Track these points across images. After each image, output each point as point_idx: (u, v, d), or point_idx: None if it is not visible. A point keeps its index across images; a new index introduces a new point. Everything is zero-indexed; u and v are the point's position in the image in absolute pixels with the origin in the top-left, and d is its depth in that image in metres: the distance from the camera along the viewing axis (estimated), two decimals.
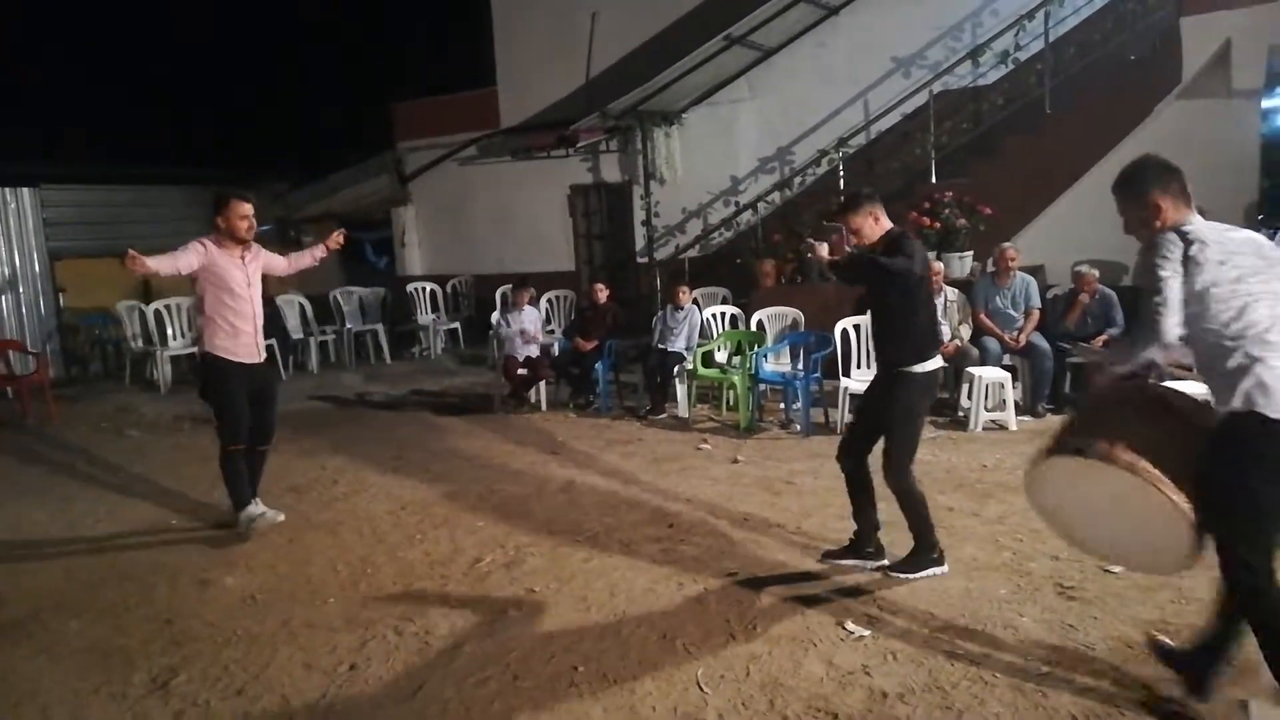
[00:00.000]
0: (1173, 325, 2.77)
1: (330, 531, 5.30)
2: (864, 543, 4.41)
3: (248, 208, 4.99)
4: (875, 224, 4.20)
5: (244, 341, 5.07)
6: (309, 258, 5.61)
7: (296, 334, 11.27)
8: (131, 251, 4.54)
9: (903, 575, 4.23)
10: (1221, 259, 2.78)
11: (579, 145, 11.64)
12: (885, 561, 4.36)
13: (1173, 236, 2.84)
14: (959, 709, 3.10)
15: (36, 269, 11.62)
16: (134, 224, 13.84)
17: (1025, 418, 7.24)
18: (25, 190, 11.56)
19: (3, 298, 11.37)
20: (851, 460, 4.38)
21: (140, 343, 10.70)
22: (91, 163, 13.89)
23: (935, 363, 4.20)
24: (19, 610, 4.33)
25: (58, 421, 8.77)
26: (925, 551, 4.25)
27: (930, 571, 4.23)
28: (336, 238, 5.53)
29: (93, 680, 3.56)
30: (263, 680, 3.52)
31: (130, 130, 17.82)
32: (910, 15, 9.83)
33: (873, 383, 4.48)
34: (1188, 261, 2.78)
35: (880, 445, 4.27)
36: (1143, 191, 2.99)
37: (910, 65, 9.85)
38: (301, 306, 11.50)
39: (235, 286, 5.01)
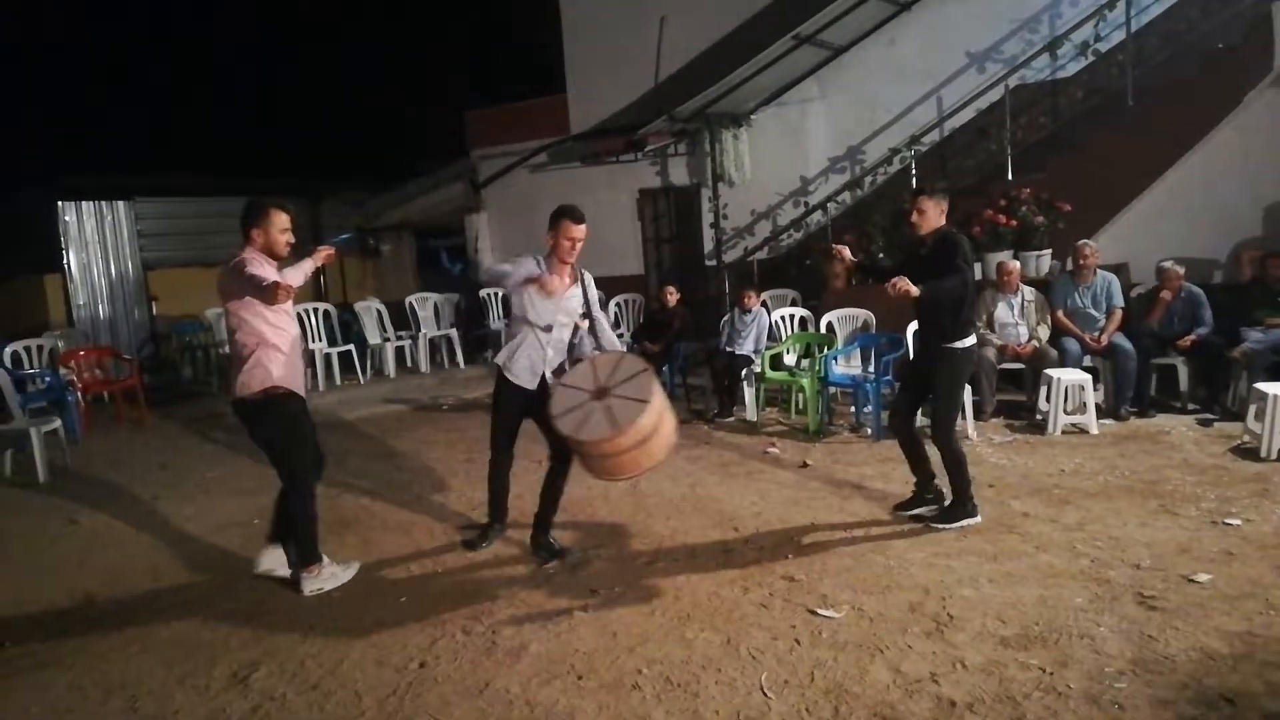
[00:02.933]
0: None
1: (404, 532, 5.43)
2: (924, 490, 5.16)
3: (288, 219, 4.36)
4: (939, 215, 4.89)
5: (299, 370, 4.46)
6: (300, 274, 4.68)
7: (374, 339, 11.57)
8: (282, 283, 4.02)
9: (941, 526, 4.91)
10: None
11: (647, 149, 11.69)
12: (934, 509, 5.07)
13: None
14: None
15: (131, 278, 12.19)
16: (222, 234, 14.37)
17: (1108, 421, 7.01)
18: (120, 203, 12.16)
19: (100, 306, 11.96)
20: (901, 422, 5.17)
21: (228, 349, 11.10)
22: (182, 175, 14.48)
23: (973, 340, 5.01)
24: (109, 606, 4.54)
25: (149, 425, 9.18)
26: (960, 505, 4.95)
27: (965, 522, 4.89)
28: (325, 253, 4.80)
29: (178, 672, 3.72)
30: (337, 675, 3.63)
31: (218, 143, 18.55)
32: (985, 8, 9.60)
33: (918, 357, 5.32)
34: None
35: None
36: None
37: (985, 59, 9.62)
38: (379, 313, 11.79)
39: (286, 307, 4.33)
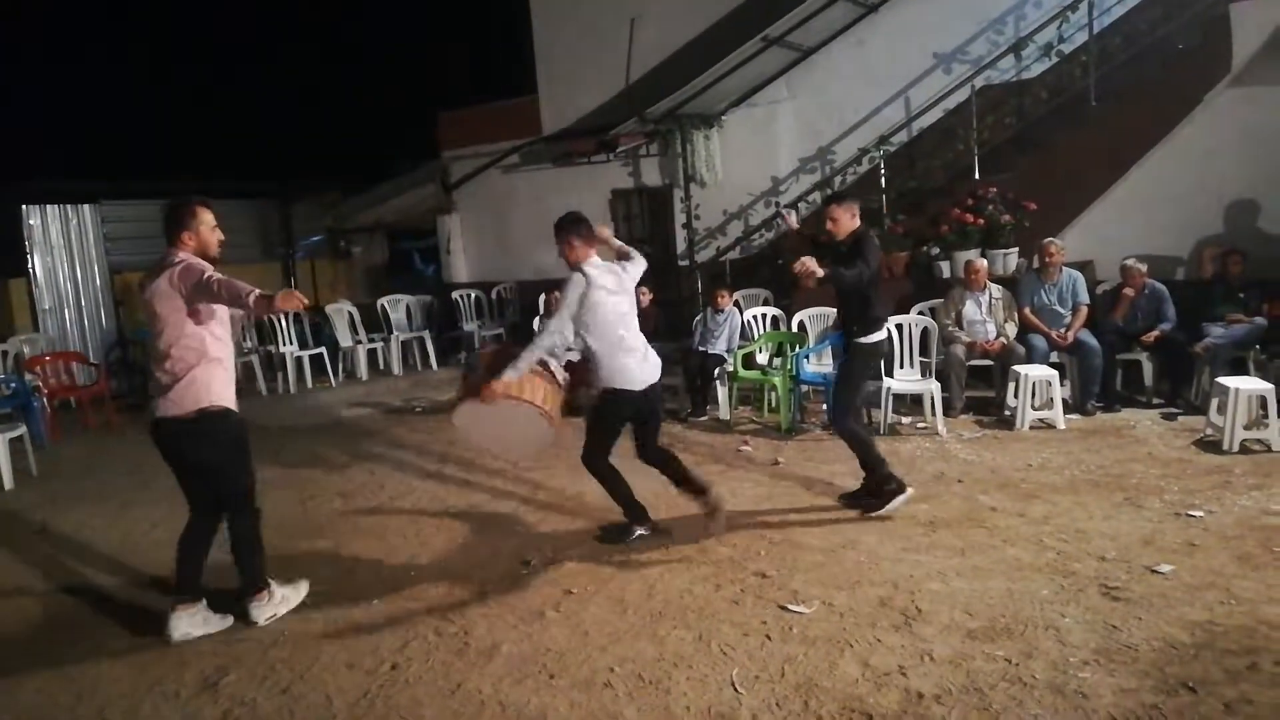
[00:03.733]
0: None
1: (376, 536, 5.41)
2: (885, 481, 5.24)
3: (213, 215, 4.03)
4: (851, 220, 5.25)
5: (233, 385, 4.10)
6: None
7: (345, 342, 11.50)
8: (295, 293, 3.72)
9: (875, 515, 5.13)
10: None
11: (619, 150, 11.69)
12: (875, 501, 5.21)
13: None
14: (996, 710, 3.07)
15: (98, 283, 12.02)
16: None
17: (1074, 416, 7.11)
18: (86, 207, 11.98)
19: (66, 311, 11.78)
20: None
21: None
22: (149, 178, 14.29)
23: (880, 335, 5.32)
24: (78, 612, 4.49)
25: (117, 430, 9.07)
26: (883, 487, 5.17)
27: (896, 501, 5.12)
28: (297, 301, 3.80)
29: (147, 678, 3.69)
30: (307, 679, 3.62)
31: (185, 145, 18.33)
32: (951, 10, 9.69)
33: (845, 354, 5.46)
34: None
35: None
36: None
37: (951, 61, 9.71)
38: (350, 315, 11.72)
39: (224, 315, 4.03)
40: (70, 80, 18.74)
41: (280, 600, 4.24)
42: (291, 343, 10.95)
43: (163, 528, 5.78)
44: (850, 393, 5.36)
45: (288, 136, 18.87)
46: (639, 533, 4.99)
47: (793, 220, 6.21)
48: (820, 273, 4.81)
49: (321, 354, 11.05)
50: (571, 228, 4.79)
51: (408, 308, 12.25)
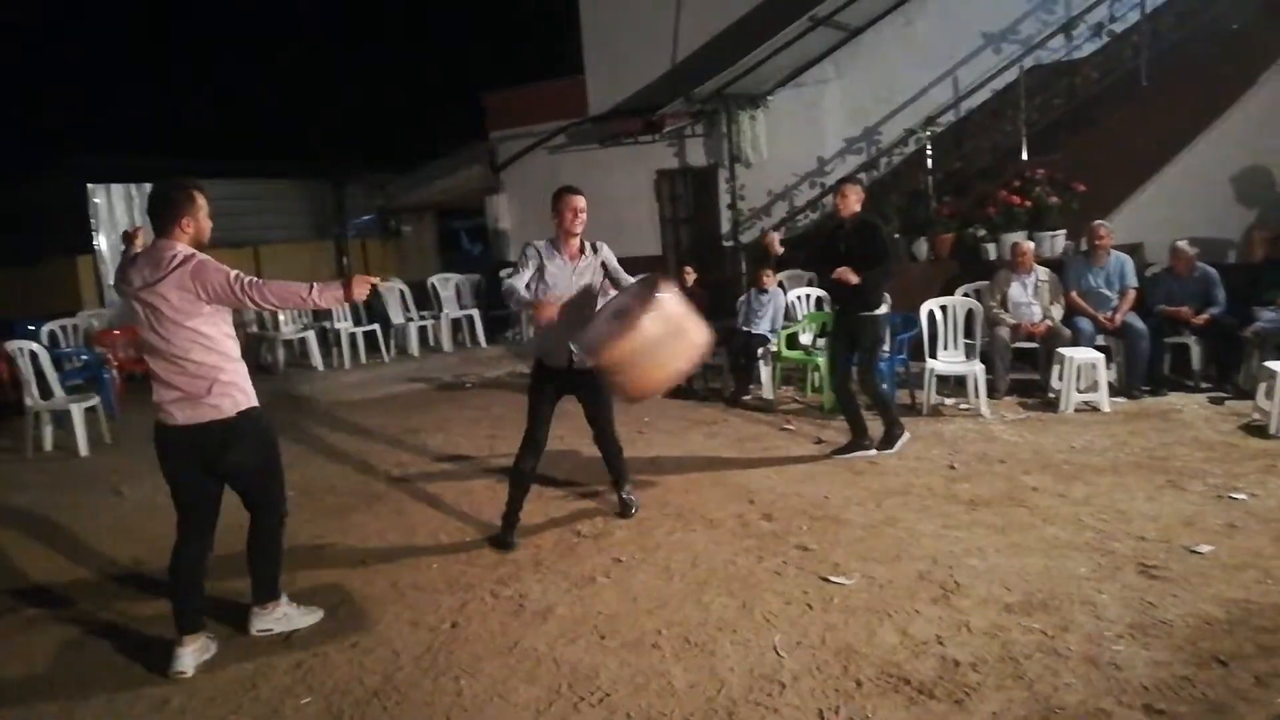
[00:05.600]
0: None
1: (433, 504, 5.64)
2: (861, 438, 6.12)
3: (207, 201, 3.66)
4: (858, 201, 5.86)
5: None
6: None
7: (397, 319, 11.80)
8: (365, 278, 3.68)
9: (884, 451, 6.05)
10: None
11: (665, 130, 11.80)
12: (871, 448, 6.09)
13: None
14: (1030, 679, 3.19)
15: None
16: (249, 216, 14.67)
17: (1120, 399, 7.12)
18: (149, 185, 12.38)
19: None
20: (843, 383, 6.18)
21: (255, 328, 11.38)
22: (207, 158, 14.72)
23: (887, 307, 6.16)
24: (155, 572, 4.76)
25: None
26: (891, 432, 6.12)
27: (900, 443, 6.10)
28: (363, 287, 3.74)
29: (222, 632, 3.94)
30: (374, 635, 3.85)
31: (242, 126, 18.79)
32: None
33: (840, 326, 6.17)
34: None
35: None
36: None
37: (1001, 41, 9.66)
38: (402, 293, 12.01)
39: (228, 313, 3.68)
40: (134, 63, 19.27)
41: (281, 617, 3.92)
42: (346, 319, 11.27)
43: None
44: (875, 360, 6.16)
45: (341, 118, 19.25)
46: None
47: (776, 244, 6.73)
48: (855, 279, 5.64)
49: (375, 330, 11.36)
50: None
51: (457, 286, 12.50)
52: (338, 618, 4.04)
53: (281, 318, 11.11)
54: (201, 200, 3.61)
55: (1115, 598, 3.77)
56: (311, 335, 11.15)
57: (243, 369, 3.70)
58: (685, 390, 8.51)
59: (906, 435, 6.18)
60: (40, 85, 18.25)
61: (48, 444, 7.66)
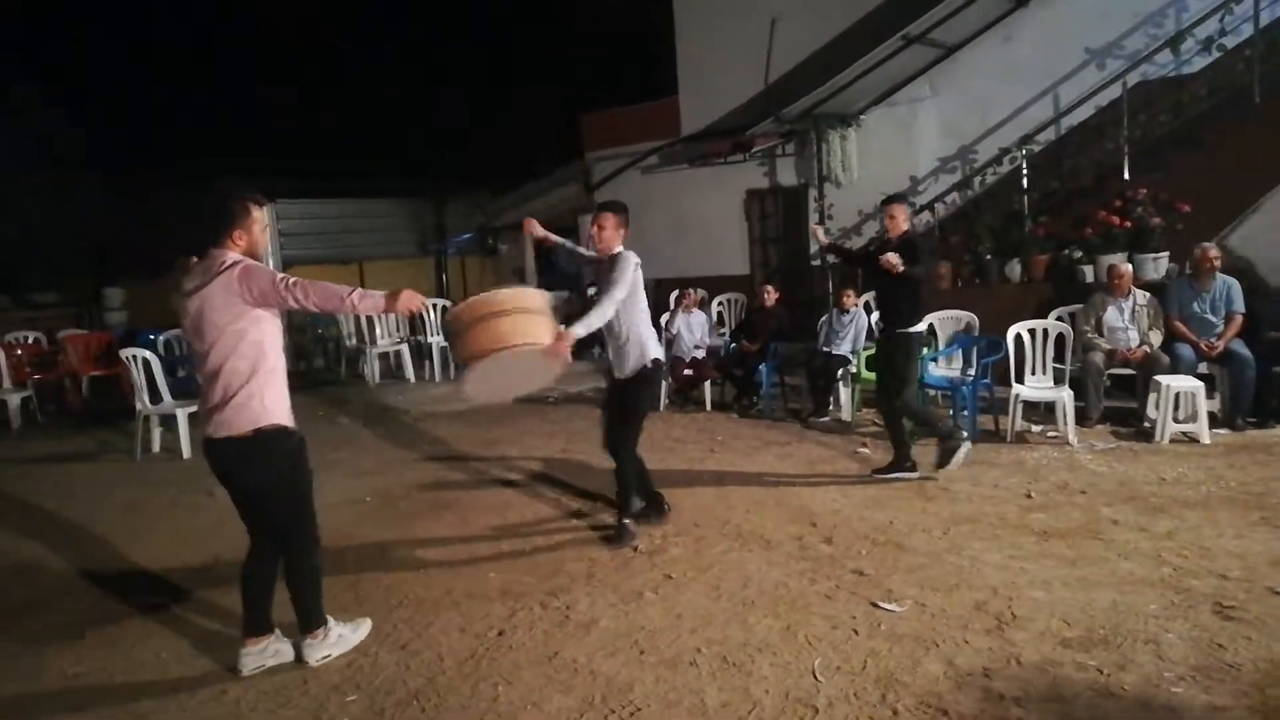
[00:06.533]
0: None
1: (498, 513, 5.77)
2: (903, 460, 6.05)
3: (264, 214, 3.70)
4: (906, 220, 5.94)
5: (287, 398, 3.70)
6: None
7: None
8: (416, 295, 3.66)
9: (881, 476, 6.07)
10: None
11: (754, 150, 11.78)
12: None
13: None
14: (1076, 718, 3.05)
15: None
16: (356, 233, 15.37)
17: (1223, 431, 6.72)
18: (263, 209, 13.09)
19: None
20: (887, 405, 6.16)
21: (354, 340, 11.86)
22: (313, 178, 15.47)
23: (923, 326, 6.12)
24: (233, 568, 5.03)
25: None
26: (900, 459, 6.05)
27: (902, 474, 6.01)
28: (413, 303, 3.76)
29: (284, 629, 4.11)
30: (424, 638, 3.97)
31: (351, 147, 19.69)
32: (1105, 3, 9.27)
33: (881, 347, 6.25)
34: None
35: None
36: None
37: (1105, 56, 9.29)
38: None
39: (278, 321, 3.63)
40: (264, 83, 20.50)
41: (336, 640, 3.82)
42: (438, 334, 11.64)
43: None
44: (905, 382, 5.98)
45: (443, 138, 19.95)
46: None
47: (821, 234, 6.76)
48: (901, 267, 5.53)
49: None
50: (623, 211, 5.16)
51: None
52: (392, 620, 4.18)
53: (377, 330, 11.56)
54: (257, 213, 3.60)
55: (1183, 637, 3.57)
56: (405, 348, 11.55)
57: (275, 383, 3.56)
58: (750, 408, 8.48)
59: (916, 473, 6.02)
60: (164, 107, 19.59)
61: (155, 446, 8.18)
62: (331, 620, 3.86)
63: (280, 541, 3.70)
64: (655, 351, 5.12)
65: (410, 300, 3.59)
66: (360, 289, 3.56)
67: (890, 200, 6.01)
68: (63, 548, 5.63)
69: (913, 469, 6.02)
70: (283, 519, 3.66)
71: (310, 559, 3.75)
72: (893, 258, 5.54)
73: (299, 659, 3.79)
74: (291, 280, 3.47)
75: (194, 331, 3.52)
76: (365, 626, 4.00)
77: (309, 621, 3.78)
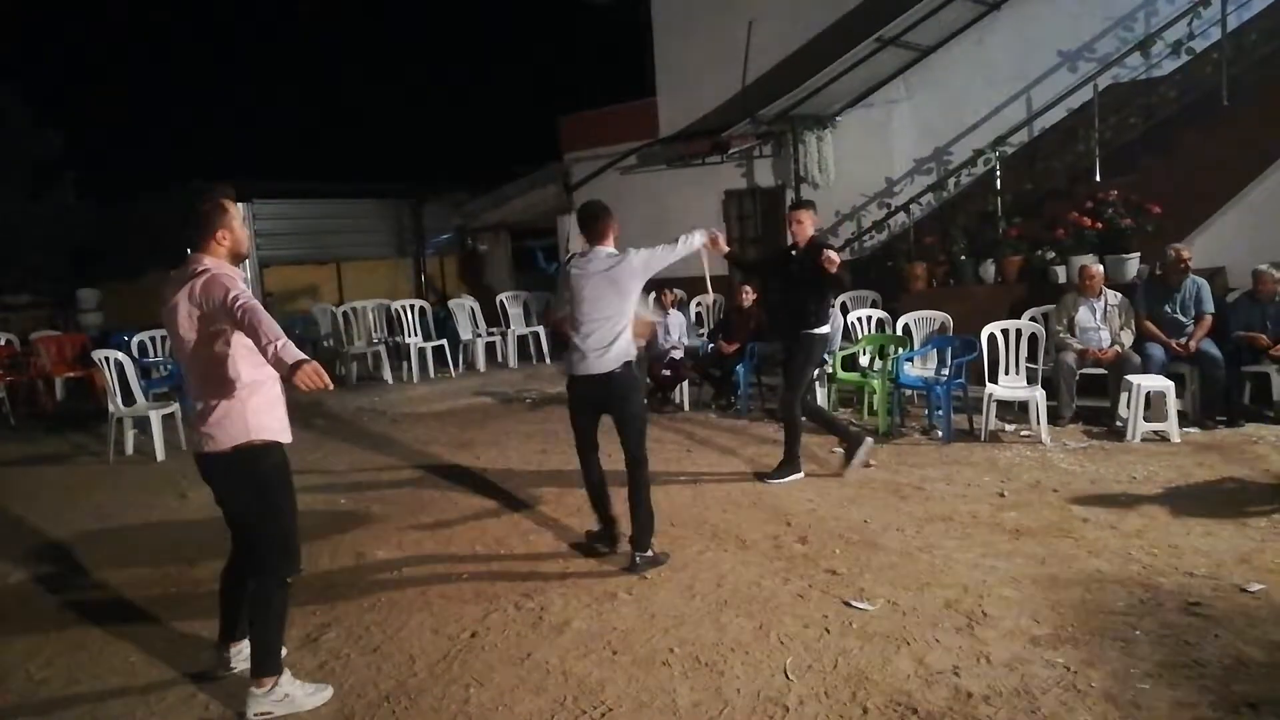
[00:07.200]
0: None
1: (475, 515, 5.76)
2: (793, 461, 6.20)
3: (239, 210, 3.51)
4: (812, 225, 6.07)
5: (281, 407, 3.47)
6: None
7: (466, 335, 12.08)
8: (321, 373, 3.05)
9: (770, 481, 6.06)
10: None
11: (732, 151, 11.82)
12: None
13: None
14: (1044, 714, 3.08)
15: (249, 277, 13.04)
16: (334, 234, 15.29)
17: (1193, 430, 6.81)
18: (240, 205, 13.01)
19: None
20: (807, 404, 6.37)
21: (330, 342, 11.80)
22: (294, 179, 15.38)
23: (828, 328, 6.23)
24: (202, 571, 4.99)
25: None
26: (789, 463, 6.14)
27: (791, 478, 6.08)
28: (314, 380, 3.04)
29: None
30: (396, 640, 3.95)
31: (326, 147, 19.61)
32: (1077, 6, 9.38)
33: (786, 348, 6.25)
34: None
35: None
36: None
37: (1076, 59, 9.39)
38: (472, 310, 12.30)
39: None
40: (232, 88, 20.35)
41: (282, 700, 3.37)
42: (416, 334, 11.60)
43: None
44: (800, 383, 6.12)
45: (420, 140, 19.88)
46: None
47: (723, 242, 5.69)
48: (839, 261, 5.61)
49: (443, 346, 11.65)
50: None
51: (525, 304, 12.73)
52: (364, 622, 4.16)
53: (355, 331, 11.51)
54: (234, 209, 3.40)
55: (1150, 635, 3.61)
56: (382, 349, 11.50)
57: (262, 395, 3.34)
58: (728, 408, 8.51)
59: (800, 474, 6.14)
60: (136, 112, 19.43)
61: (129, 448, 8.10)
62: (287, 673, 3.45)
63: (251, 563, 3.47)
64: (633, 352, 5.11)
65: (308, 378, 2.97)
66: (287, 342, 3.03)
67: (796, 206, 6.20)
68: (31, 551, 5.57)
69: (799, 469, 6.17)
70: (255, 539, 3.45)
71: (279, 590, 3.40)
72: (834, 255, 5.62)
73: (243, 707, 3.40)
74: (243, 300, 3.12)
75: (175, 344, 3.38)
76: (324, 694, 3.47)
77: (262, 665, 3.37)
